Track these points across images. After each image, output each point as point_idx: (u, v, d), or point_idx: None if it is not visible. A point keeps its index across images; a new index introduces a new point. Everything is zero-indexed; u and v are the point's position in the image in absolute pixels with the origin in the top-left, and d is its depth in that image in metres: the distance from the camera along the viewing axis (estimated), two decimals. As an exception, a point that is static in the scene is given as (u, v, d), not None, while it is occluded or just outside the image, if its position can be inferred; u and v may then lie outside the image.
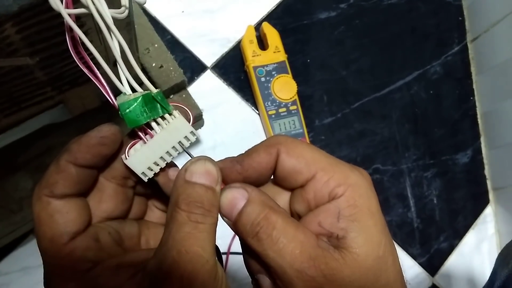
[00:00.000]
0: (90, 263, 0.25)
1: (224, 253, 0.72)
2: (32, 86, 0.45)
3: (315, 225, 0.26)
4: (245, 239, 0.25)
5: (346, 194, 0.25)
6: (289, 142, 0.27)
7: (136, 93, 0.27)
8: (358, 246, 0.24)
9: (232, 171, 0.27)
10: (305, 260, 0.24)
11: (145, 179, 0.28)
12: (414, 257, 0.79)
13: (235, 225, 0.26)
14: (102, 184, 0.28)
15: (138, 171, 0.28)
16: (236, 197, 0.26)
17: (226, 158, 0.28)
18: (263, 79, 0.78)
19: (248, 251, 0.27)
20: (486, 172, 0.87)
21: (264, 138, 0.79)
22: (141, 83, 0.28)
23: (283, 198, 0.29)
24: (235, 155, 0.28)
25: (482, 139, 0.88)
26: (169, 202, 0.25)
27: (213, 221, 0.25)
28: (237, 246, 0.71)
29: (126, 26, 0.44)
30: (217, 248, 0.30)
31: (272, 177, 0.29)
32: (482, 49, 0.90)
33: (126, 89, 0.27)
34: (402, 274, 0.26)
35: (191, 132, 0.28)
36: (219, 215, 0.26)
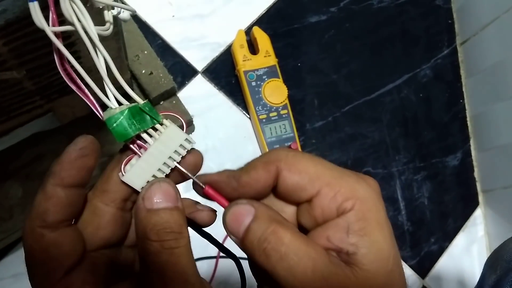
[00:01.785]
0: None
1: (213, 257, 0.72)
2: (20, 96, 0.45)
3: (324, 240, 0.25)
4: (252, 257, 0.24)
5: (355, 208, 0.25)
6: (290, 157, 0.26)
7: (122, 106, 0.27)
8: (369, 262, 0.23)
9: (227, 186, 0.27)
10: (318, 280, 0.23)
11: None
12: (404, 259, 0.80)
13: (242, 243, 0.25)
14: (100, 210, 0.27)
15: (137, 186, 0.27)
16: (242, 213, 0.25)
17: (224, 171, 0.27)
18: (253, 83, 0.79)
19: (259, 271, 0.26)
20: (476, 174, 0.88)
21: (255, 142, 0.79)
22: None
23: (289, 211, 0.28)
24: (234, 169, 0.27)
25: (471, 142, 0.89)
26: (136, 236, 0.25)
27: (186, 241, 0.24)
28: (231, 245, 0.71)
29: (114, 35, 0.44)
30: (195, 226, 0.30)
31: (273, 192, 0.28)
32: (472, 52, 0.91)
33: (112, 103, 0.27)
34: (406, 284, 0.26)
35: (186, 139, 0.28)
36: (226, 233, 0.25)
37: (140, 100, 0.28)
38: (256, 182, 0.26)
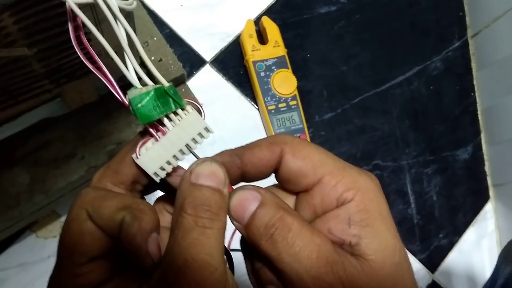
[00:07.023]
0: (99, 285, 0.25)
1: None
2: (29, 79, 0.44)
3: (325, 232, 0.24)
4: (258, 244, 0.24)
5: (356, 198, 0.24)
6: (295, 143, 0.26)
7: (147, 86, 0.26)
8: (374, 252, 0.23)
9: (231, 166, 0.26)
10: (323, 265, 0.22)
11: (157, 180, 0.26)
12: (414, 253, 0.79)
13: (247, 229, 0.24)
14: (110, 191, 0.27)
15: (150, 171, 0.26)
16: (248, 199, 0.24)
17: (225, 151, 0.27)
18: (262, 74, 0.78)
19: (259, 259, 0.26)
20: (487, 168, 0.86)
21: (263, 133, 0.78)
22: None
23: (287, 203, 0.27)
24: (234, 148, 0.27)
25: (482, 135, 0.88)
26: (174, 206, 0.24)
27: (221, 226, 0.23)
28: (236, 243, 0.70)
29: (125, 17, 0.43)
30: (227, 251, 0.29)
31: (274, 177, 0.28)
32: (483, 45, 0.89)
33: (136, 81, 0.26)
34: (416, 281, 0.25)
35: (205, 128, 0.27)
36: (228, 219, 0.25)
37: (165, 82, 0.27)
38: (259, 160, 0.26)
